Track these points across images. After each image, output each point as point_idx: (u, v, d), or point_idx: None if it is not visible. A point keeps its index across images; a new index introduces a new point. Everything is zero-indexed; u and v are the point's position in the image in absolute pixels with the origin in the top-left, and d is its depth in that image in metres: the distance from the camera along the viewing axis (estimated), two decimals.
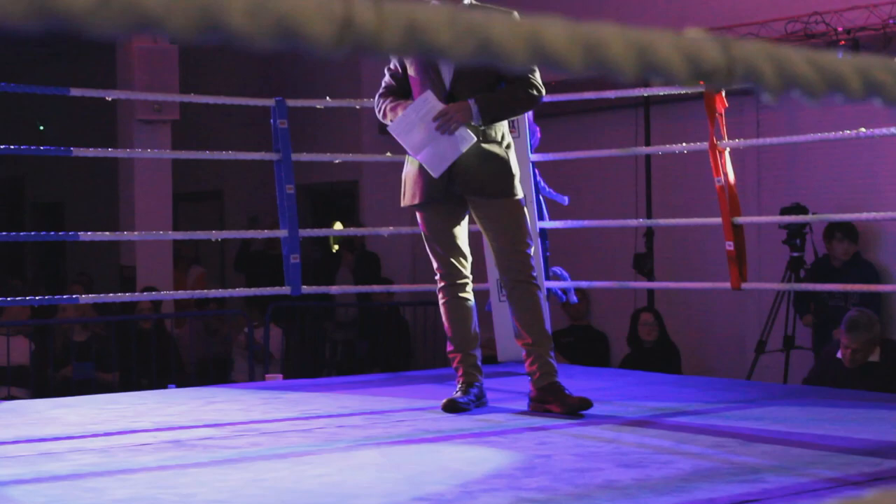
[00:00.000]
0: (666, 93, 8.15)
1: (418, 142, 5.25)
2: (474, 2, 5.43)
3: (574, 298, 7.70)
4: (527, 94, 5.32)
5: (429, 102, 5.24)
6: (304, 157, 7.52)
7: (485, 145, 5.31)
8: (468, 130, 5.22)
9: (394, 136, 5.34)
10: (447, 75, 5.34)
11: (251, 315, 11.03)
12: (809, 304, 9.79)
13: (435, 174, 5.26)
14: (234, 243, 14.41)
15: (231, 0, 0.82)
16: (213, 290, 8.63)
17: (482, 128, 5.29)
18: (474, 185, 5.31)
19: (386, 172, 12.30)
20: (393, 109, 5.40)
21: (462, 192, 5.33)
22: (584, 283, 7.94)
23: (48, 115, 17.95)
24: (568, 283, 7.51)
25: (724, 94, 6.88)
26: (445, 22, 0.92)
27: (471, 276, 5.54)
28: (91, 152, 6.87)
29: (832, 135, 7.23)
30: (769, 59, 1.12)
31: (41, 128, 18.51)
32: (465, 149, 5.23)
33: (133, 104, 12.61)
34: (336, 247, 13.82)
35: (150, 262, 12.51)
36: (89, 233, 6.59)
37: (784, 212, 9.68)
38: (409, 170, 5.45)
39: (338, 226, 13.67)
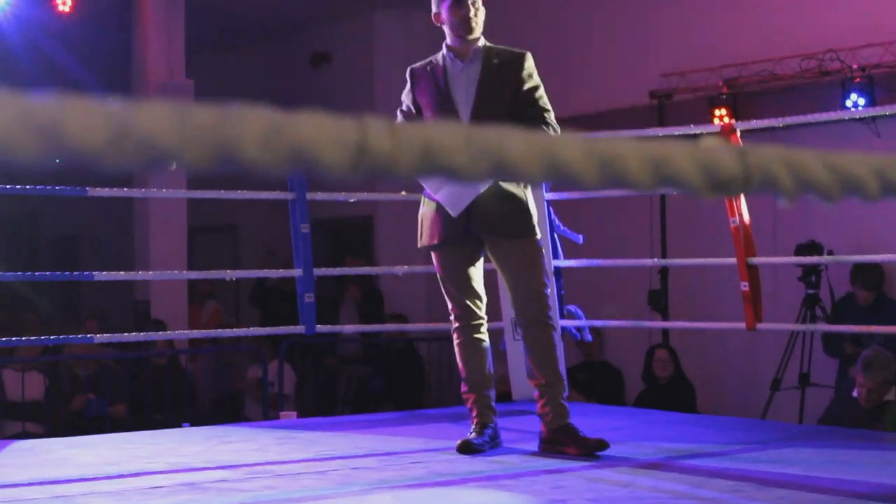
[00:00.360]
0: (681, 133, 8.15)
1: (437, 181, 5.24)
2: (488, 43, 5.44)
3: (589, 337, 7.69)
4: (550, 131, 5.34)
5: None
6: (320, 196, 7.53)
7: (502, 184, 5.31)
8: None
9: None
10: (465, 115, 5.35)
11: (265, 351, 11.03)
12: (843, 345, 9.65)
13: (453, 213, 5.26)
14: (249, 279, 14.40)
15: (245, 132, 0.82)
16: (227, 330, 8.62)
17: None
18: (492, 224, 5.31)
19: (400, 208, 12.31)
20: None
21: (480, 231, 5.32)
22: (598, 322, 7.93)
23: None
24: (583, 322, 7.50)
25: (738, 134, 6.89)
26: (460, 143, 0.92)
27: (485, 317, 5.53)
28: (107, 192, 6.89)
29: None
30: (785, 165, 1.12)
31: (57, 161, 18.55)
32: (483, 188, 5.23)
33: None
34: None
35: (165, 296, 12.51)
36: (104, 273, 6.60)
37: (799, 249, 9.66)
38: (426, 210, 5.45)
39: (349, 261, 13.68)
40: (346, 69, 14.73)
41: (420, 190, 5.44)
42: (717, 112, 10.71)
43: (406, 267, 7.76)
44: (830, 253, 9.61)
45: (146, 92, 12.93)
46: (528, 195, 5.42)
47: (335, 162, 0.87)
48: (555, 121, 5.38)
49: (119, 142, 0.79)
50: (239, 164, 0.84)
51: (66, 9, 12.47)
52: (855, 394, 7.82)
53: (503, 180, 5.29)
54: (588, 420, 5.69)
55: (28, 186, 6.55)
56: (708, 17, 11.33)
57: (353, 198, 7.68)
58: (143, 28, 13.04)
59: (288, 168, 0.87)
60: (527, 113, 5.35)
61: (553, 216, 7.42)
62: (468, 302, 5.44)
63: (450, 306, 5.49)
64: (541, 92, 5.41)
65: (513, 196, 5.34)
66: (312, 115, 0.88)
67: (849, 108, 9.83)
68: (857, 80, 9.88)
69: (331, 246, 14.53)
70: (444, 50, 5.47)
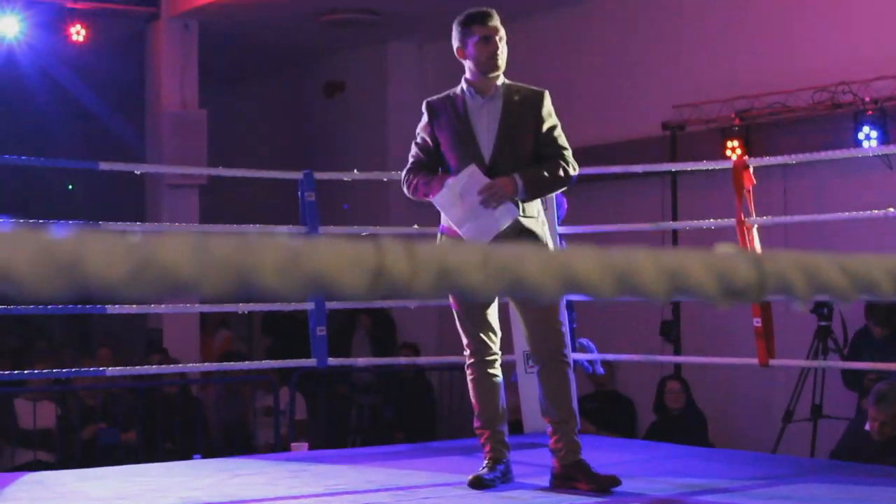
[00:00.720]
0: (694, 168, 8.20)
1: (461, 215, 5.25)
2: (506, 81, 5.46)
3: (601, 370, 7.70)
4: (565, 172, 5.36)
5: (473, 176, 5.25)
6: (332, 229, 7.55)
7: (523, 220, 5.32)
8: (512, 206, 5.24)
9: (438, 207, 5.35)
10: (486, 151, 5.36)
11: (276, 380, 11.03)
12: (863, 378, 9.57)
13: None
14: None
15: (263, 261, 0.83)
16: (238, 363, 8.63)
17: (521, 203, 5.31)
18: None
19: (412, 233, 12.32)
20: (428, 184, 5.39)
21: None
22: (610, 356, 7.93)
23: (78, 174, 18.06)
24: (595, 356, 7.51)
25: (751, 170, 6.91)
26: (477, 263, 0.93)
27: (500, 352, 5.54)
28: (120, 226, 6.94)
29: (859, 214, 7.22)
30: (800, 270, 1.13)
31: (70, 187, 18.63)
32: (506, 225, 5.24)
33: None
34: None
35: (177, 325, 12.54)
36: (116, 306, 6.63)
37: None
38: (442, 244, 5.45)
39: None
40: (360, 99, 14.76)
41: (433, 223, 5.45)
42: (729, 144, 10.71)
43: (417, 301, 7.77)
44: None
45: (159, 122, 12.98)
46: (546, 232, 5.45)
47: (353, 287, 0.88)
48: (572, 158, 5.40)
49: (140, 275, 0.80)
50: (257, 292, 0.86)
51: (80, 38, 12.53)
52: (867, 427, 7.80)
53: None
54: (600, 454, 5.70)
55: (42, 220, 6.59)
56: (720, 48, 11.35)
57: (365, 232, 7.69)
58: (157, 58, 13.10)
59: (306, 293, 0.88)
60: (545, 151, 5.37)
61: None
62: (483, 336, 5.45)
63: (465, 341, 5.50)
64: (559, 130, 5.43)
65: (532, 233, 5.36)
66: (330, 241, 0.89)
67: (861, 141, 9.83)
68: (870, 112, 9.87)
69: None
70: (464, 84, 5.47)
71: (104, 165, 6.94)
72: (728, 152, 10.58)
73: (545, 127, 5.39)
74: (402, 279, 0.91)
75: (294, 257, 0.85)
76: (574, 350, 7.30)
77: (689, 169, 9.11)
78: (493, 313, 5.47)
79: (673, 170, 10.47)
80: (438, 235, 5.50)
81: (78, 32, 12.50)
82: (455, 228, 5.30)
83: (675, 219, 11.11)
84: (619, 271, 1.03)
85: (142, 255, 0.79)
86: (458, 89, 5.49)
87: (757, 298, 1.15)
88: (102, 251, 0.78)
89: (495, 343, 5.49)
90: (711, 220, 7.57)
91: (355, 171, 8.00)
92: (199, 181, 12.86)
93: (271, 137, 16.01)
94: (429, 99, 5.57)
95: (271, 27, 13.48)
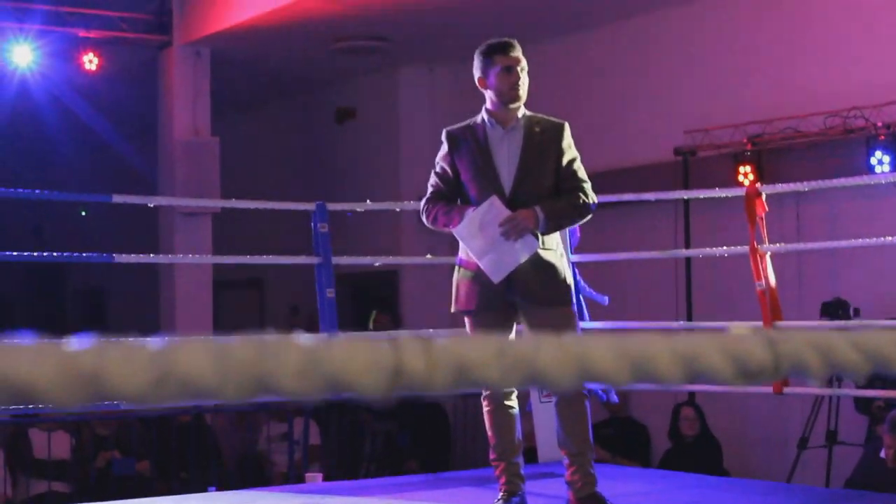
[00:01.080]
0: (706, 195, 8.20)
1: (481, 247, 5.26)
2: (527, 112, 5.46)
3: (615, 398, 7.69)
4: (584, 205, 5.37)
5: (494, 208, 5.25)
6: (345, 259, 7.56)
7: (542, 253, 5.32)
8: (532, 239, 5.25)
9: (458, 238, 5.35)
10: (507, 182, 5.36)
11: (289, 408, 11.02)
12: (872, 403, 9.54)
13: (495, 280, 5.27)
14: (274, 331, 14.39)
15: (282, 365, 0.84)
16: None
17: (541, 235, 5.31)
18: (531, 293, 5.32)
19: (425, 263, 12.33)
20: (448, 214, 5.39)
21: (519, 299, 5.33)
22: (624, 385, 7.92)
23: (91, 201, 18.10)
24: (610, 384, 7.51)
25: (764, 197, 6.91)
26: (493, 357, 0.93)
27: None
28: (133, 258, 6.96)
29: (873, 241, 7.22)
30: (814, 350, 1.14)
31: (83, 213, 18.68)
32: (526, 257, 5.25)
33: (174, 196, 12.71)
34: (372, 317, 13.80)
35: None
36: (130, 339, 6.63)
37: (825, 307, 9.63)
38: (461, 276, 5.45)
39: (373, 315, 13.69)
40: (371, 125, 14.79)
41: (446, 252, 5.46)
42: (741, 169, 10.70)
43: (431, 330, 7.78)
44: (857, 311, 9.57)
45: (171, 150, 13.02)
46: (565, 264, 5.45)
47: (371, 386, 0.89)
48: (591, 191, 5.40)
49: (161, 384, 0.81)
50: (276, 394, 0.86)
51: (93, 67, 12.59)
52: (883, 454, 7.77)
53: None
54: (616, 484, 5.70)
55: (55, 253, 6.61)
56: (731, 73, 11.35)
57: (378, 261, 7.71)
58: (169, 86, 13.15)
59: (324, 394, 0.89)
60: (565, 184, 5.38)
61: (578, 278, 7.43)
62: None
63: None
64: (578, 163, 5.44)
65: (551, 265, 5.36)
66: (348, 342, 0.90)
67: (874, 166, 9.82)
68: (882, 137, 9.87)
69: (356, 298, 14.54)
70: (485, 115, 5.46)
71: (117, 198, 6.95)
72: (741, 178, 10.57)
73: (565, 159, 5.40)
74: (420, 377, 0.91)
75: (313, 360, 0.86)
76: None
77: (701, 197, 9.12)
78: None
79: (685, 197, 10.47)
80: (456, 268, 5.50)
81: (90, 61, 12.56)
82: (475, 260, 5.30)
83: (688, 244, 11.11)
84: (635, 359, 1.03)
85: (163, 365, 0.80)
86: (478, 119, 5.48)
87: (772, 379, 1.15)
88: (123, 362, 0.79)
89: None
90: (724, 247, 7.57)
91: (368, 201, 8.01)
92: (213, 209, 12.89)
93: (283, 164, 16.04)
94: (449, 128, 5.56)
95: (282, 54, 13.53)
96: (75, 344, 0.81)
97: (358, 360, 0.88)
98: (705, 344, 1.09)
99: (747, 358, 1.11)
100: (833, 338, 1.19)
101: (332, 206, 7.22)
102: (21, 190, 6.95)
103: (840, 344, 1.19)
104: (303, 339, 0.90)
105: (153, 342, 0.83)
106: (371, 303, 14.18)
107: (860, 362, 1.19)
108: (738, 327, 1.16)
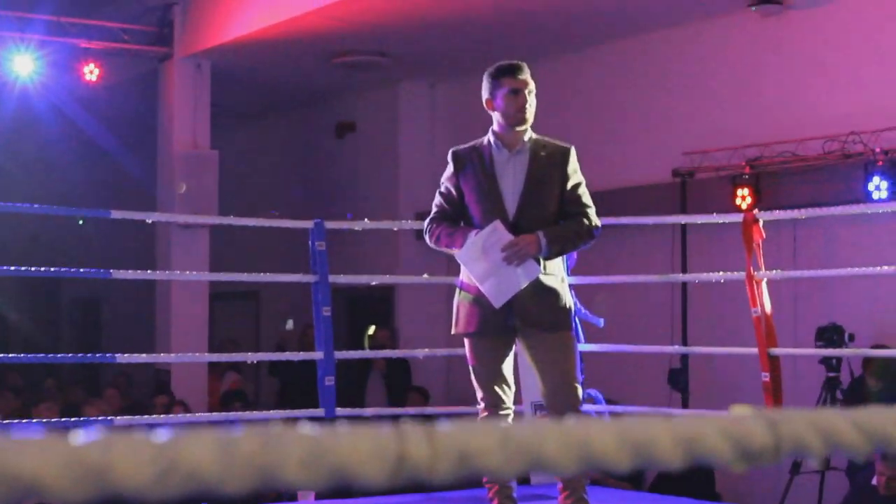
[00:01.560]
0: (703, 221, 8.21)
1: (483, 271, 5.26)
2: (534, 135, 5.46)
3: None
4: (588, 230, 5.37)
5: (497, 232, 5.25)
6: (342, 278, 7.56)
7: (543, 278, 5.32)
8: (534, 264, 5.25)
9: (460, 261, 5.35)
10: (512, 205, 5.36)
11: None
12: None
13: (496, 304, 5.26)
14: (269, 346, 14.41)
15: (287, 456, 0.84)
16: (243, 413, 8.63)
17: (543, 261, 5.31)
18: (531, 317, 5.31)
19: (422, 283, 12.32)
20: (451, 236, 5.40)
21: (519, 323, 5.32)
22: (619, 408, 7.92)
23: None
24: (603, 407, 7.51)
25: (761, 223, 6.92)
26: (496, 445, 0.94)
27: (513, 407, 5.52)
28: (129, 275, 6.95)
29: (869, 270, 7.23)
30: (815, 431, 1.14)
31: (80, 222, 18.68)
32: (527, 283, 5.25)
33: (172, 207, 12.72)
34: (370, 331, 13.75)
35: (186, 366, 12.54)
36: (126, 355, 6.64)
37: (820, 331, 9.64)
38: (461, 299, 5.45)
39: (371, 329, 13.67)
40: (371, 139, 14.81)
41: (443, 271, 5.46)
42: (739, 192, 10.72)
43: (427, 350, 7.79)
44: (852, 336, 9.59)
45: (171, 161, 13.04)
46: (566, 289, 5.45)
47: (375, 475, 0.89)
48: (595, 216, 5.40)
49: (166, 477, 0.81)
50: (281, 485, 0.87)
51: (94, 78, 12.61)
52: (874, 482, 7.77)
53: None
54: None
55: (52, 269, 6.61)
56: (731, 96, 11.38)
57: (374, 280, 7.71)
58: (169, 98, 13.17)
59: (328, 484, 0.90)
60: (570, 209, 5.38)
61: (575, 300, 7.43)
62: (497, 389, 5.43)
63: (479, 394, 5.48)
64: (583, 188, 5.44)
65: (552, 290, 5.35)
66: (352, 431, 0.90)
67: (871, 192, 9.84)
68: (880, 163, 9.89)
69: (352, 313, 14.54)
70: (491, 136, 5.45)
71: (116, 214, 6.94)
72: (738, 201, 10.58)
73: (570, 184, 5.40)
74: (424, 465, 0.92)
75: (317, 450, 0.86)
76: (583, 402, 7.30)
77: (699, 222, 9.13)
78: (508, 368, 5.46)
79: (682, 222, 10.49)
80: (457, 290, 5.50)
81: (91, 72, 12.59)
82: (476, 283, 5.30)
83: (684, 266, 11.12)
84: (637, 444, 1.04)
85: (168, 458, 0.80)
86: (484, 140, 5.47)
87: (774, 461, 1.16)
88: (129, 455, 0.79)
89: (510, 397, 5.48)
90: (720, 273, 7.58)
91: (366, 219, 8.02)
92: (210, 222, 12.90)
93: (283, 177, 16.06)
94: (455, 148, 5.56)
95: (283, 68, 13.55)
96: (80, 437, 0.81)
97: (361, 449, 0.89)
98: (706, 426, 1.10)
99: (748, 440, 1.11)
100: (834, 418, 1.20)
101: (329, 225, 7.22)
102: (18, 204, 6.95)
103: (842, 424, 1.19)
104: (306, 429, 0.90)
105: (158, 434, 0.84)
106: (367, 318, 14.18)
107: (861, 442, 1.20)
108: (740, 407, 1.17)
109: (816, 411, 1.19)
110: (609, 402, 7.98)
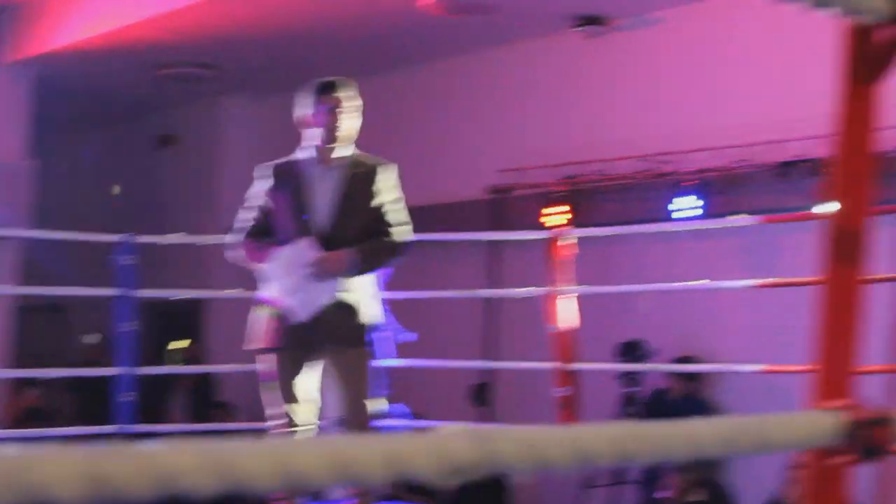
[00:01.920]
0: (509, 238, 8.31)
1: (287, 287, 5.26)
2: (357, 152, 5.48)
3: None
4: (394, 248, 5.41)
5: (304, 248, 5.25)
6: (148, 293, 7.46)
7: (345, 295, 5.34)
8: (339, 280, 5.26)
9: (265, 276, 5.35)
10: (322, 220, 5.36)
11: (84, 441, 10.75)
12: None
13: (300, 319, 5.27)
14: (76, 361, 14.08)
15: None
16: (38, 430, 8.42)
17: (347, 278, 5.32)
18: (331, 333, 5.32)
19: (230, 297, 12.18)
20: (259, 251, 5.40)
21: (320, 338, 5.32)
22: (424, 423, 7.97)
23: None
24: (409, 422, 7.55)
25: (575, 239, 7.01)
26: (193, 463, 0.94)
27: (315, 422, 5.49)
28: None
29: (676, 285, 7.38)
30: (523, 448, 1.18)
31: None
32: (330, 299, 5.26)
33: None
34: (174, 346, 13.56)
35: None
36: None
37: (620, 349, 9.84)
38: (264, 313, 5.44)
39: (175, 344, 13.54)
40: (192, 153, 14.66)
41: (257, 287, 5.45)
42: (551, 210, 10.80)
43: (234, 365, 7.73)
44: (656, 351, 9.81)
45: None
46: (370, 303, 5.46)
47: (71, 495, 0.90)
48: (406, 233, 5.43)
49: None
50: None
51: None
52: (664, 494, 7.95)
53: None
54: None
55: None
56: (550, 115, 11.52)
57: (182, 295, 7.64)
58: None
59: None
60: (379, 226, 5.41)
61: (389, 315, 7.46)
62: (295, 407, 5.41)
63: (271, 410, 5.46)
64: (395, 204, 5.46)
65: (351, 307, 5.36)
66: (48, 452, 0.91)
67: (672, 212, 10.04)
68: (689, 182, 10.07)
69: (159, 325, 14.31)
70: (308, 152, 5.46)
71: None
72: (546, 218, 10.67)
73: (379, 200, 5.42)
74: (122, 486, 0.93)
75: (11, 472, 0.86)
76: (387, 416, 7.33)
77: (511, 238, 9.23)
78: (307, 383, 5.42)
79: (490, 238, 10.59)
80: (257, 305, 5.48)
81: None
82: (280, 298, 5.30)
83: (499, 280, 11.22)
84: (339, 462, 1.07)
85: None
86: (299, 155, 5.48)
87: (479, 476, 1.21)
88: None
89: (306, 414, 5.44)
90: (527, 288, 7.67)
91: (183, 233, 7.93)
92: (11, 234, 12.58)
93: (104, 189, 15.80)
94: (268, 163, 5.56)
95: (109, 78, 13.33)
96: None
97: (51, 472, 0.89)
98: (412, 445, 1.14)
99: (453, 456, 1.15)
100: (545, 435, 1.25)
101: (142, 239, 7.13)
102: None
103: (550, 440, 1.24)
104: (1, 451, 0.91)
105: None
106: (178, 333, 14.00)
107: (567, 458, 1.25)
108: (449, 428, 1.21)
109: (531, 429, 1.24)
110: (417, 416, 8.02)
